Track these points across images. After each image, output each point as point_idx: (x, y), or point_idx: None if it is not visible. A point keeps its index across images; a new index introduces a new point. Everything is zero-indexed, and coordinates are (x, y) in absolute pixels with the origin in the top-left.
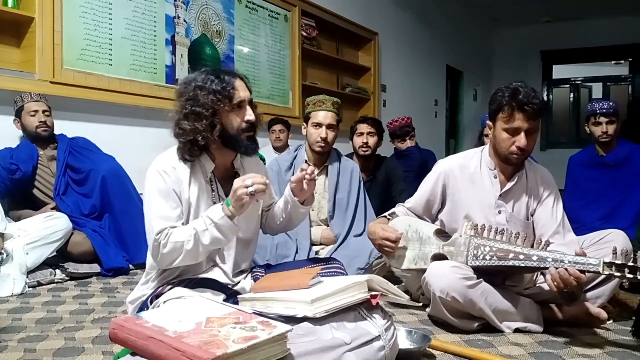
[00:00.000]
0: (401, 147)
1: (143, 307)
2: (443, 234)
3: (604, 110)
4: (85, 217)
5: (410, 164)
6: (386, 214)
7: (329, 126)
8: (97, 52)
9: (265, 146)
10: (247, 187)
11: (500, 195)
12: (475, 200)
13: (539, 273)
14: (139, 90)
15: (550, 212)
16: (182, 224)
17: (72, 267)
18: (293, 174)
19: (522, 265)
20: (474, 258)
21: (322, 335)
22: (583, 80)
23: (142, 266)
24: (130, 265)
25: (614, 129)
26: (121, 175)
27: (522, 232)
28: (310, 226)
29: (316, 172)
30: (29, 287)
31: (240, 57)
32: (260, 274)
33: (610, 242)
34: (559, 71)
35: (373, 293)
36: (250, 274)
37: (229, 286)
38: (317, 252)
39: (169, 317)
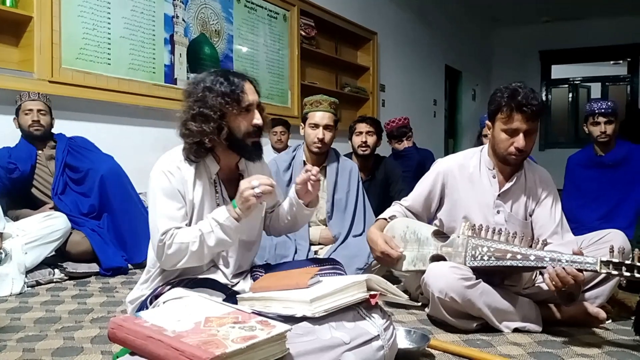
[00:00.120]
0: (398, 147)
1: (142, 307)
2: (441, 234)
3: (603, 110)
4: (84, 216)
5: (407, 165)
6: (385, 216)
7: (326, 127)
8: (95, 52)
9: (264, 146)
10: (253, 188)
11: (498, 195)
12: (474, 200)
13: (538, 273)
14: (137, 90)
15: (548, 213)
16: (186, 224)
17: (70, 266)
18: (291, 175)
19: (520, 265)
20: (472, 258)
21: (321, 335)
22: (582, 80)
23: (140, 266)
24: (129, 265)
25: (612, 129)
26: (120, 175)
27: (521, 232)
28: (309, 226)
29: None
30: (27, 287)
31: (239, 57)
32: (260, 274)
33: (609, 242)
34: (558, 71)
35: (372, 293)
36: (250, 275)
37: (229, 286)
38: (316, 252)
39: (167, 316)
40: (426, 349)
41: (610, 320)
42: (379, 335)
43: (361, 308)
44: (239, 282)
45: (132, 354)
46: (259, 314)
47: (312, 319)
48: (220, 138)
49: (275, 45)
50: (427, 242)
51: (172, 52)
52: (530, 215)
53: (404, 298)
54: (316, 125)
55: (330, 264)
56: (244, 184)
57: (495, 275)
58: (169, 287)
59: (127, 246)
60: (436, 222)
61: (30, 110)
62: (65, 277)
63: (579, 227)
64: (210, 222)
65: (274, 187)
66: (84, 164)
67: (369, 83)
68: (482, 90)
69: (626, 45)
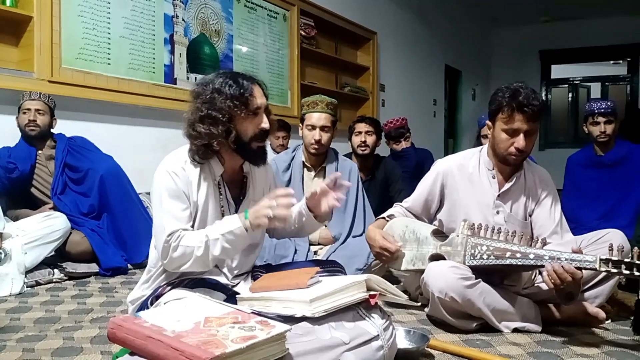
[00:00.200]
0: (396, 148)
1: (143, 307)
2: (440, 234)
3: (602, 110)
4: (83, 216)
5: (406, 165)
6: (384, 215)
7: (322, 128)
8: (95, 51)
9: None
10: (270, 208)
11: (498, 196)
12: (474, 200)
13: (538, 272)
14: (137, 90)
15: (548, 213)
16: (191, 226)
17: (70, 266)
18: (291, 175)
19: (519, 263)
20: (472, 257)
21: (320, 335)
22: (582, 80)
23: (140, 266)
24: (128, 265)
25: (612, 129)
26: (119, 175)
27: (520, 232)
28: None
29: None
30: (27, 287)
31: (239, 57)
32: (261, 275)
33: (608, 242)
34: (558, 71)
35: (372, 293)
36: (250, 275)
37: (230, 287)
38: (315, 253)
39: (167, 316)
40: (426, 349)
41: (609, 320)
42: (378, 335)
43: (361, 308)
44: (239, 282)
45: (132, 354)
46: (259, 314)
47: (312, 319)
48: (228, 141)
49: (275, 45)
50: (427, 242)
51: (172, 52)
52: (530, 216)
53: (403, 298)
54: (313, 127)
55: (330, 265)
56: (265, 201)
57: (495, 275)
58: (169, 287)
59: (126, 246)
60: (436, 222)
61: (28, 109)
62: (65, 277)
63: (578, 226)
64: (219, 229)
65: (289, 216)
66: (84, 164)
67: (368, 83)
68: (482, 90)
69: (626, 45)
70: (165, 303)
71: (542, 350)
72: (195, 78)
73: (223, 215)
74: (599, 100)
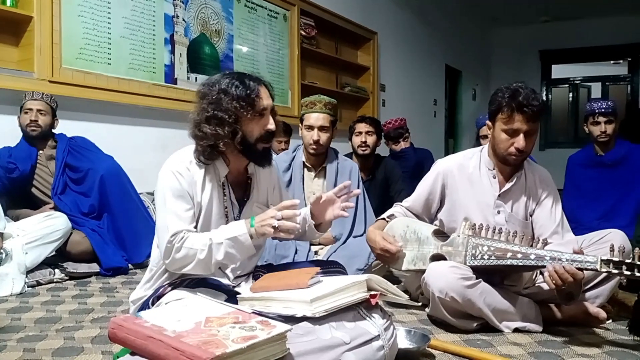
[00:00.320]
0: (395, 148)
1: (144, 307)
2: (441, 234)
3: (603, 110)
4: (84, 216)
5: (405, 165)
6: (384, 216)
7: (321, 128)
8: (95, 51)
9: None
10: (277, 219)
11: (499, 196)
12: (474, 200)
13: (538, 272)
14: (137, 90)
15: (548, 213)
16: (194, 226)
17: (71, 266)
18: (291, 175)
19: (520, 264)
20: (472, 258)
21: (321, 335)
22: (582, 80)
23: (141, 266)
24: (129, 265)
25: (612, 129)
26: (120, 175)
27: (521, 232)
28: None
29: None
30: (28, 287)
31: (239, 57)
32: (262, 274)
33: (609, 242)
34: (558, 71)
35: (372, 293)
36: (252, 275)
37: (231, 287)
38: (316, 253)
39: (168, 316)
40: (426, 349)
41: (610, 320)
42: (379, 335)
43: (361, 308)
44: (241, 283)
45: (133, 354)
46: (259, 314)
47: (313, 319)
48: (234, 142)
49: (275, 45)
50: (427, 242)
51: (172, 52)
52: (531, 216)
53: (404, 298)
54: (311, 127)
55: (331, 266)
56: (272, 211)
57: (496, 275)
58: (170, 287)
59: (127, 246)
60: (436, 222)
61: (30, 109)
62: (66, 277)
63: (578, 226)
64: (224, 233)
65: (294, 229)
66: (84, 164)
67: (369, 83)
68: (482, 90)
69: (626, 45)
70: (166, 303)
71: (542, 350)
72: (196, 78)
73: (227, 216)
74: (599, 100)
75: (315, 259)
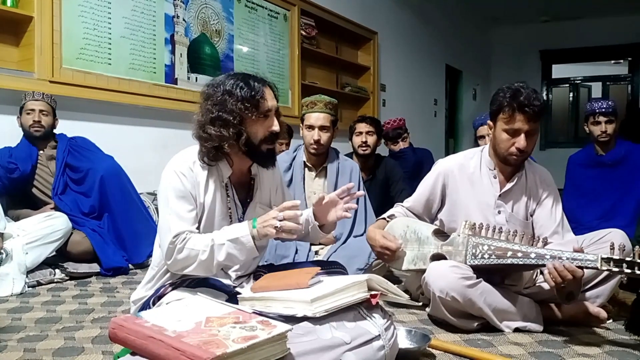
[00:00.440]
0: (394, 149)
1: (145, 307)
2: (441, 234)
3: (603, 110)
4: (84, 216)
5: (404, 166)
6: (385, 215)
7: (321, 128)
8: (96, 51)
9: None
10: (279, 220)
11: (499, 196)
12: (475, 200)
13: (539, 272)
14: (138, 90)
15: (549, 213)
16: (197, 227)
17: (71, 266)
18: (292, 175)
19: (520, 263)
20: (473, 257)
21: (321, 335)
22: (582, 80)
23: (141, 266)
24: (129, 265)
25: (612, 129)
26: (120, 175)
27: (521, 231)
28: None
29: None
30: (28, 287)
31: (240, 57)
32: (263, 274)
33: (609, 241)
34: (558, 70)
35: (373, 292)
36: (252, 276)
37: (232, 287)
38: (316, 252)
39: (168, 316)
40: (427, 348)
41: (610, 320)
42: (379, 335)
43: (362, 308)
44: (242, 283)
45: (133, 354)
46: (260, 314)
47: (313, 318)
48: (238, 143)
49: (275, 45)
50: (428, 241)
51: (172, 52)
52: (531, 215)
53: (404, 298)
54: (311, 127)
55: (332, 266)
56: (273, 212)
57: (496, 274)
58: (171, 287)
59: (127, 246)
60: (437, 222)
61: (32, 110)
62: (66, 277)
63: (578, 226)
64: (226, 234)
65: (296, 229)
66: (84, 164)
67: (369, 83)
68: (482, 89)
69: (627, 44)
70: (167, 303)
71: (543, 350)
72: (196, 78)
73: (230, 217)
74: (599, 100)
75: (315, 259)
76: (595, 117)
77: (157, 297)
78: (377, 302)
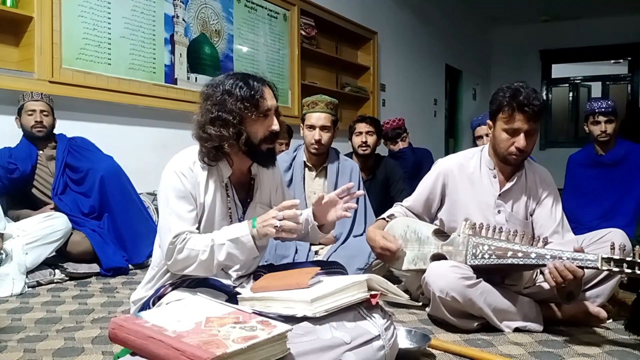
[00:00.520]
0: (394, 148)
1: (145, 307)
2: (441, 233)
3: (603, 110)
4: (84, 216)
5: (403, 165)
6: (384, 215)
7: (322, 128)
8: (96, 52)
9: None
10: (279, 219)
11: (499, 195)
12: (475, 200)
13: (539, 272)
14: (137, 90)
15: (549, 212)
16: (197, 227)
17: (71, 267)
18: (292, 175)
19: (520, 263)
20: (473, 257)
21: (321, 335)
22: (582, 80)
23: (141, 266)
24: (129, 265)
25: (612, 128)
26: (120, 175)
27: (521, 231)
28: None
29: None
30: (28, 287)
31: (240, 57)
32: (263, 274)
33: (609, 241)
34: (558, 70)
35: (373, 292)
36: (252, 276)
37: (232, 287)
38: (316, 252)
39: (168, 316)
40: (427, 348)
41: (610, 320)
42: (379, 335)
43: (362, 308)
44: (242, 283)
45: (133, 354)
46: (260, 314)
47: (313, 318)
48: (238, 143)
49: (275, 44)
50: (428, 241)
51: (172, 52)
52: (531, 215)
53: (404, 298)
54: (312, 127)
55: (332, 267)
56: (273, 212)
57: (496, 274)
58: (171, 288)
59: (127, 246)
60: (437, 222)
61: (33, 110)
62: (66, 278)
63: (578, 226)
64: (226, 234)
65: (296, 229)
66: (84, 164)
67: (369, 83)
68: (482, 89)
69: (626, 44)
70: (167, 304)
71: (543, 350)
72: (196, 78)
73: (230, 217)
74: (599, 100)
75: (315, 259)
76: (595, 117)
77: (157, 297)
78: (377, 302)
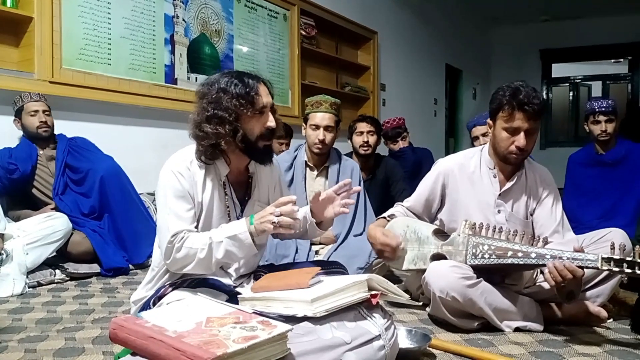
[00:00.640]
0: (394, 148)
1: (145, 307)
2: (442, 233)
3: (603, 109)
4: (84, 217)
5: (403, 165)
6: (385, 215)
7: (326, 128)
8: (96, 52)
9: None
10: (276, 216)
11: (499, 195)
12: (475, 200)
13: (539, 272)
14: (137, 90)
15: (549, 212)
16: (195, 226)
17: (72, 267)
18: (293, 175)
19: (521, 262)
20: (473, 257)
21: (322, 335)
22: (582, 79)
23: (142, 266)
24: (130, 265)
25: (612, 128)
26: (120, 175)
27: (521, 231)
28: None
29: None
30: (29, 288)
31: (240, 57)
32: (263, 274)
33: (609, 241)
34: (558, 70)
35: (373, 292)
36: (253, 275)
37: (232, 287)
38: (317, 252)
39: (169, 317)
40: (427, 348)
41: (611, 320)
42: (380, 335)
43: (362, 308)
44: (242, 283)
45: (134, 354)
46: (260, 314)
47: (313, 318)
48: (235, 140)
49: (275, 44)
50: (428, 241)
51: (172, 52)
52: (531, 215)
53: (405, 298)
54: (317, 127)
55: (332, 267)
56: (270, 208)
57: (496, 274)
58: (171, 288)
59: (127, 246)
60: (437, 222)
61: (36, 111)
62: (67, 278)
63: (579, 226)
64: (224, 232)
65: (294, 224)
66: (84, 165)
67: (369, 82)
68: (482, 89)
69: (627, 43)
70: (167, 304)
71: (543, 350)
72: (196, 78)
73: (229, 215)
74: (599, 99)
75: (315, 258)
76: (595, 116)
77: (158, 297)
78: (378, 302)
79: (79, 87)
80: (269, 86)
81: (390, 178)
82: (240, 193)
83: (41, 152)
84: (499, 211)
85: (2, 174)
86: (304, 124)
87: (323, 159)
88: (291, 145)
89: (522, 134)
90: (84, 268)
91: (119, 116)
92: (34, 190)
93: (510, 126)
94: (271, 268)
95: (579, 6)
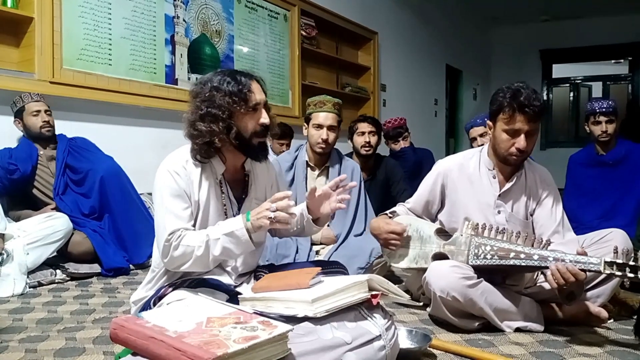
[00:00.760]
0: (395, 148)
1: (146, 307)
2: (444, 233)
3: (604, 110)
4: (85, 217)
5: (404, 165)
6: (387, 212)
7: (329, 127)
8: (96, 52)
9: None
10: (272, 211)
11: (499, 195)
12: (474, 200)
13: (540, 272)
14: (138, 90)
15: (549, 212)
16: (192, 225)
17: (72, 267)
18: (294, 175)
19: (523, 264)
20: (475, 257)
21: (322, 335)
22: (583, 80)
23: (142, 266)
24: (130, 265)
25: (613, 128)
26: (120, 175)
27: (522, 231)
28: None
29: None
30: (29, 288)
31: (240, 57)
32: (264, 274)
33: (610, 242)
34: (559, 70)
35: (373, 293)
36: (253, 275)
37: (233, 287)
38: (317, 252)
39: (169, 317)
40: (428, 348)
41: (611, 320)
42: (380, 335)
43: (363, 308)
44: (242, 282)
45: (134, 354)
46: (261, 314)
47: (314, 319)
48: (229, 137)
49: (275, 45)
50: (430, 240)
51: (172, 52)
52: (531, 215)
53: (405, 298)
54: (320, 126)
55: (332, 266)
56: (266, 204)
57: (497, 275)
58: (172, 288)
59: (128, 246)
60: (437, 223)
61: (38, 111)
62: (67, 278)
63: (579, 226)
64: (220, 229)
65: (290, 219)
66: (84, 165)
67: (369, 83)
68: (482, 89)
69: (627, 44)
70: (167, 304)
71: (544, 350)
72: (197, 78)
73: (226, 214)
74: (600, 100)
75: (316, 258)
76: (595, 117)
77: (158, 297)
78: (378, 302)
79: (79, 88)
80: (262, 83)
81: (390, 178)
82: (237, 191)
83: (41, 152)
84: (499, 212)
85: (3, 174)
86: (305, 124)
87: (324, 159)
88: (292, 146)
89: (522, 135)
90: (84, 268)
91: (120, 116)
92: (35, 191)
93: (511, 128)
94: (271, 268)
95: (579, 6)
